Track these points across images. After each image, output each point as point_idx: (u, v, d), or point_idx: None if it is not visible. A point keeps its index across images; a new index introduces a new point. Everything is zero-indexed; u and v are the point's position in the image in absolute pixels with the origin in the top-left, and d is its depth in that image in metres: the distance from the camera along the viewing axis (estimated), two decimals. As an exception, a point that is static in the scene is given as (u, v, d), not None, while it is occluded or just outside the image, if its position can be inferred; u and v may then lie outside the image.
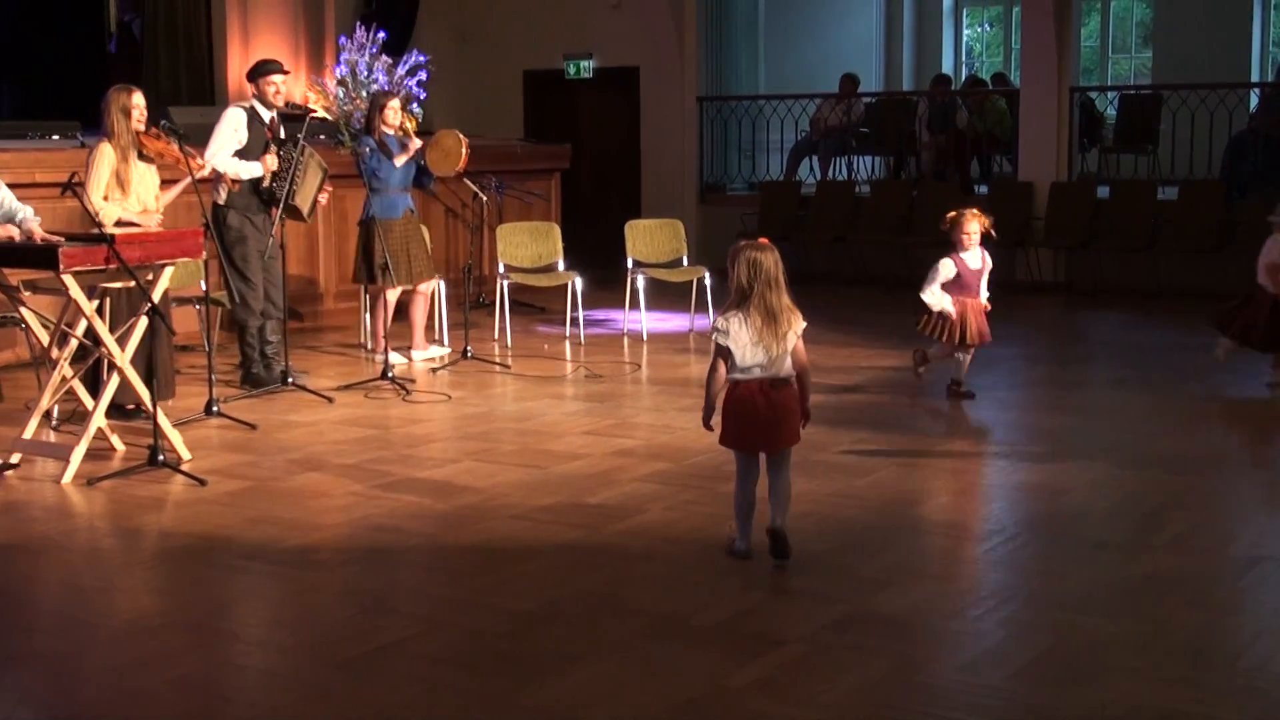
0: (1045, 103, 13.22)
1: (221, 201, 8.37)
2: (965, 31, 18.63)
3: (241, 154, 8.32)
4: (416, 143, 9.37)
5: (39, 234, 6.60)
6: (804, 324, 5.17)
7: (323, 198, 8.70)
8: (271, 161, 8.35)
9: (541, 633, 4.58)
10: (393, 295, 9.29)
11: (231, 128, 8.34)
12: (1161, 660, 4.30)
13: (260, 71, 8.54)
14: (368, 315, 10.08)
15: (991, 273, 8.08)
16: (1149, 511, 5.94)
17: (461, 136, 9.74)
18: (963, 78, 17.24)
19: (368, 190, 9.05)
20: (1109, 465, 6.66)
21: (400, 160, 9.20)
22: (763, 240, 5.24)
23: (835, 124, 14.98)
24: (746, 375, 5.14)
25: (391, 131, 9.30)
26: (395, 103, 9.35)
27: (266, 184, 8.36)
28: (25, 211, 6.81)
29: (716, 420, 5.26)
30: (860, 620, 4.66)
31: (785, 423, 5.18)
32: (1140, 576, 5.14)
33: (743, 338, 5.10)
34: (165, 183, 7.78)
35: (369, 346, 9.99)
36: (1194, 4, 15.91)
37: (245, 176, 8.31)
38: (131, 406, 7.41)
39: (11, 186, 6.93)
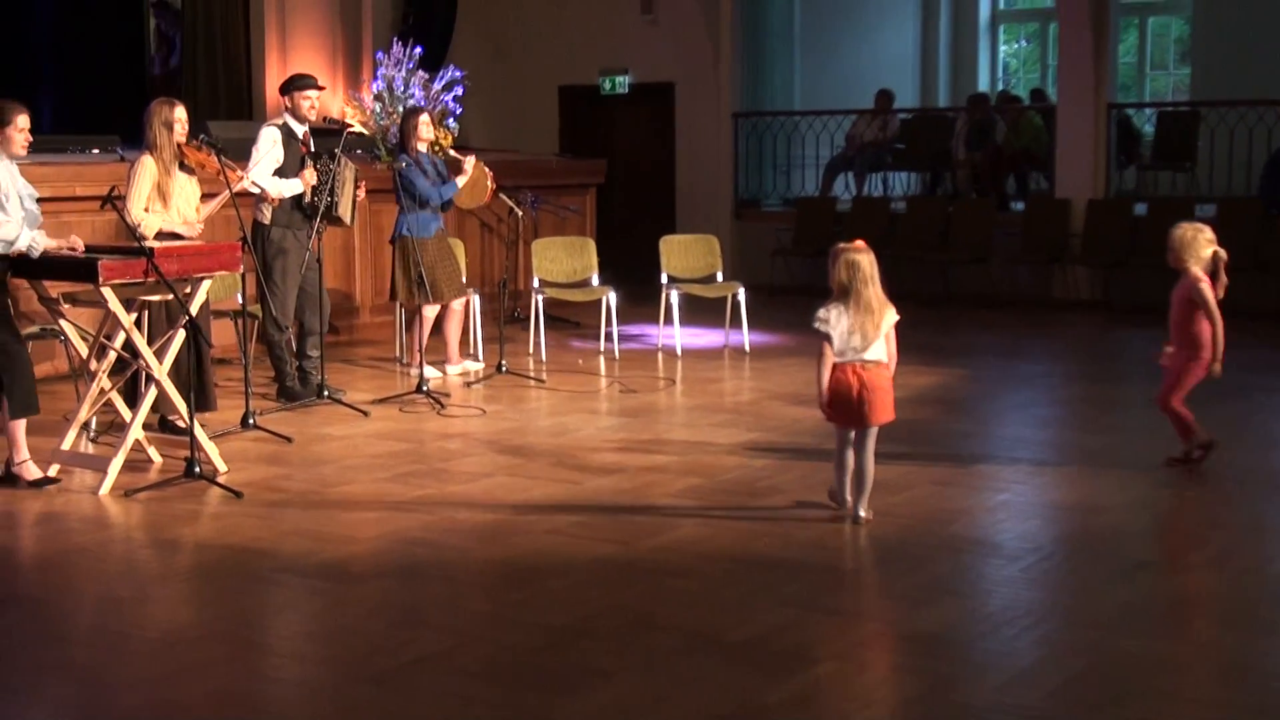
0: (1082, 119, 13.15)
1: (265, 220, 8.41)
2: (1002, 48, 18.57)
3: (279, 171, 8.37)
4: (469, 162, 9.45)
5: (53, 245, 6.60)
6: (897, 316, 5.86)
7: (360, 193, 8.73)
8: (310, 176, 8.40)
9: (574, 648, 4.58)
10: (430, 312, 9.32)
11: (269, 146, 8.38)
12: (1198, 681, 4.26)
13: (295, 85, 8.56)
14: (403, 330, 10.11)
15: None
16: (1186, 531, 5.90)
17: (487, 170, 9.77)
18: (998, 94, 17.17)
19: (400, 208, 9.10)
20: (1146, 484, 6.62)
21: (454, 191, 9.31)
22: (859, 243, 5.91)
23: (871, 140, 14.94)
24: (842, 359, 5.82)
25: (424, 147, 9.35)
26: (426, 117, 9.40)
27: (308, 199, 8.41)
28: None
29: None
30: (894, 638, 4.64)
31: (879, 399, 5.83)
32: (1177, 597, 5.10)
33: (841, 326, 5.79)
34: (205, 196, 7.83)
35: (404, 361, 10.03)
36: (1232, 20, 15.80)
37: (287, 194, 8.36)
38: (183, 424, 7.31)
39: (51, 200, 6.97)
